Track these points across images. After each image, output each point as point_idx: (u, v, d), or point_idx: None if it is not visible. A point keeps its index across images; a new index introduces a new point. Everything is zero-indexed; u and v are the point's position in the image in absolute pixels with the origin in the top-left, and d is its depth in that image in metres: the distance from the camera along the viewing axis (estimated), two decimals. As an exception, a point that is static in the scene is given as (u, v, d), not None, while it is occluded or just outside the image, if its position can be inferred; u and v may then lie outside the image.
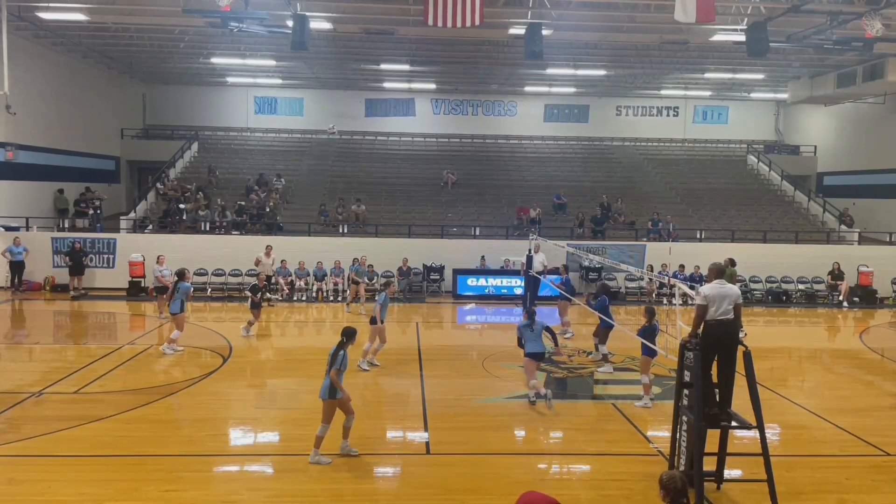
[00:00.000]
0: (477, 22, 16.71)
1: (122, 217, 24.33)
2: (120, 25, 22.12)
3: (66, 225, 24.19)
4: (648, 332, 11.04)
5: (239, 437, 9.59)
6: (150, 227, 23.92)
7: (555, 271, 22.10)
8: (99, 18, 20.71)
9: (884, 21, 17.43)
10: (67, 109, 26.38)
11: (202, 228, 23.86)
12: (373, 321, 13.10)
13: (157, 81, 32.64)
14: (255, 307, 15.87)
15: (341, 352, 8.66)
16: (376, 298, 13.45)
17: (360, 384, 12.25)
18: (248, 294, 16.28)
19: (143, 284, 21.24)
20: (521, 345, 11.17)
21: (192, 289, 14.68)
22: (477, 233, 24.36)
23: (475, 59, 26.67)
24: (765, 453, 7.29)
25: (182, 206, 24.37)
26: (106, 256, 22.08)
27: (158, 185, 26.72)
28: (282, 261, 21.18)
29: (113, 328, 17.80)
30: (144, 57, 27.51)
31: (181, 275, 14.35)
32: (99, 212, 24.91)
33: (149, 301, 19.79)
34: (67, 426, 9.51)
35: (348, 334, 8.91)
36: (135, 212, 24.79)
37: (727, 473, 7.93)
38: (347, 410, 8.71)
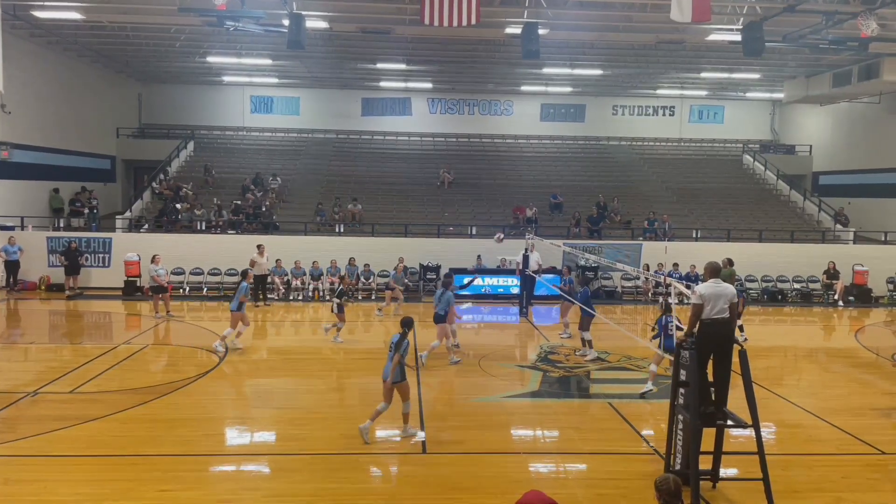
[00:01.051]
0: (473, 21, 16.72)
1: (117, 216, 24.28)
2: (116, 24, 22.05)
3: (62, 224, 24.12)
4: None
5: (235, 437, 9.57)
6: (146, 226, 23.87)
7: (551, 271, 22.16)
8: (94, 17, 20.66)
9: (879, 21, 17.47)
10: (63, 108, 26.31)
11: (198, 228, 23.83)
12: (438, 318, 13.35)
13: (152, 80, 32.56)
14: (340, 310, 15.43)
15: (405, 340, 9.29)
16: (439, 297, 13.50)
17: (358, 383, 12.25)
18: (336, 300, 15.54)
19: (138, 284, 21.19)
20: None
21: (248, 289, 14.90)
22: (473, 232, 24.37)
23: (472, 58, 26.67)
24: (760, 452, 7.31)
25: (178, 205, 24.29)
26: (101, 256, 22.04)
27: (154, 184, 26.66)
28: (277, 260, 21.16)
29: (108, 328, 17.75)
30: (140, 56, 27.44)
31: (244, 275, 14.94)
32: (95, 211, 24.84)
33: (144, 300, 19.76)
34: (63, 426, 9.49)
35: (407, 324, 9.56)
36: (130, 211, 24.75)
37: (723, 472, 7.96)
38: (405, 396, 9.31)
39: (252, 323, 15.99)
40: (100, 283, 21.62)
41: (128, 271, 21.20)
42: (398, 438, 9.34)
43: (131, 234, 23.00)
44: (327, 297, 21.15)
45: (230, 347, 14.10)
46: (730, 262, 17.14)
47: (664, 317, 11.32)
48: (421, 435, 9.56)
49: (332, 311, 15.51)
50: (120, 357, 13.54)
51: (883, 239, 25.15)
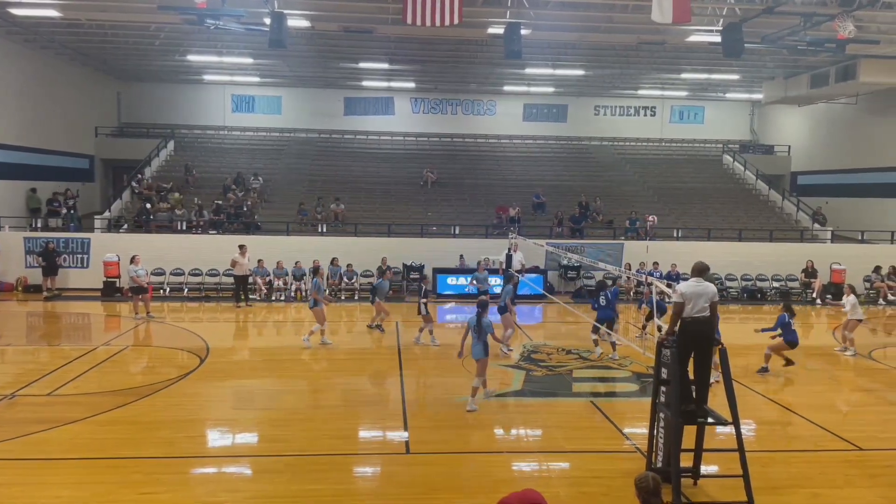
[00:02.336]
0: (456, 21, 16.72)
1: (96, 216, 23.98)
2: (94, 22, 21.79)
3: (39, 224, 23.78)
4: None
5: (217, 439, 9.50)
6: (125, 226, 23.60)
7: (534, 270, 22.24)
8: (72, 15, 20.39)
9: (856, 23, 17.73)
10: (40, 107, 25.93)
11: (179, 228, 23.60)
12: (502, 310, 13.91)
13: (132, 79, 32.20)
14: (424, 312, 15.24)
15: (484, 319, 10.61)
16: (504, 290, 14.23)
17: (342, 383, 12.21)
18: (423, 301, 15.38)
19: (118, 285, 20.96)
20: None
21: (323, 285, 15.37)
22: (456, 232, 24.39)
23: (454, 58, 26.69)
24: (740, 449, 7.39)
25: (148, 205, 23.99)
26: (80, 256, 21.76)
27: (134, 183, 26.37)
28: (259, 260, 21.03)
29: (87, 329, 17.54)
30: (119, 54, 27.13)
31: (315, 271, 15.87)
32: (73, 211, 24.51)
33: (124, 301, 19.54)
34: (41, 429, 9.36)
35: (483, 304, 10.87)
36: (109, 211, 24.45)
37: (704, 469, 8.03)
38: (480, 372, 10.57)
39: (234, 324, 15.88)
40: (78, 284, 21.35)
41: (107, 272, 20.97)
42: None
43: (110, 235, 22.73)
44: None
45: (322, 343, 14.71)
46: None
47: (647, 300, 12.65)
48: (404, 435, 9.55)
49: (420, 313, 15.28)
50: (99, 359, 13.38)
51: (860, 238, 25.54)
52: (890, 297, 22.41)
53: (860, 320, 15.02)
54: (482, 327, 10.64)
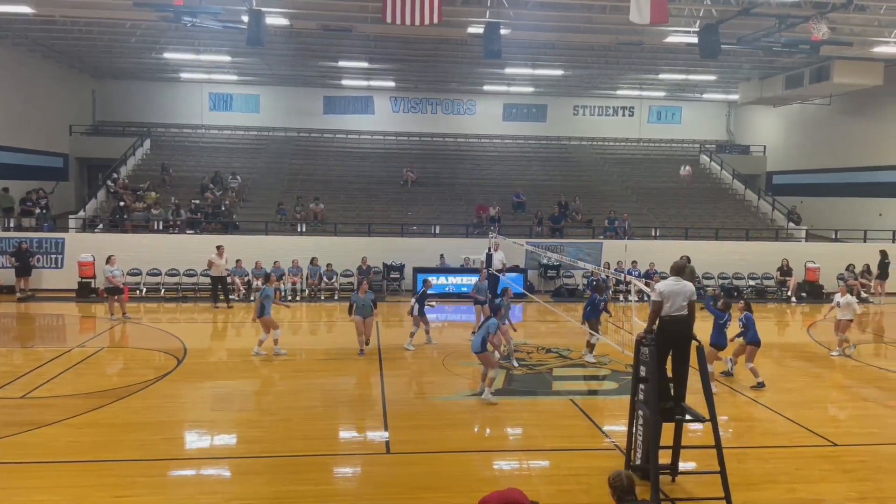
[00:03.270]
0: (435, 20, 16.71)
1: (70, 216, 23.59)
2: (68, 19, 21.45)
3: (12, 224, 23.33)
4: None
5: (194, 441, 9.40)
6: (101, 226, 23.25)
7: (515, 269, 22.30)
8: (46, 11, 20.04)
9: (829, 24, 18.01)
10: (13, 104, 25.47)
11: (155, 228, 23.31)
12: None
13: (107, 76, 31.75)
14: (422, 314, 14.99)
15: (490, 320, 11.04)
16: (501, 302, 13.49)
17: (321, 384, 12.15)
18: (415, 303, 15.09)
19: (93, 285, 20.65)
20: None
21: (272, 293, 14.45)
22: (437, 231, 24.38)
23: (434, 57, 26.68)
24: (717, 445, 7.47)
25: (121, 203, 23.66)
26: (54, 256, 21.41)
27: (109, 182, 26.00)
28: (237, 260, 20.84)
29: (62, 330, 17.27)
30: (94, 51, 26.74)
31: (267, 278, 15.34)
32: (45, 211, 24.06)
33: (99, 302, 19.26)
34: (15, 432, 9.19)
35: (495, 309, 11.72)
36: (84, 210, 24.07)
37: (682, 466, 8.11)
38: (488, 364, 10.86)
39: (211, 324, 15.72)
40: (52, 285, 21.00)
41: (82, 272, 20.64)
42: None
43: (85, 234, 22.38)
44: (288, 298, 20.95)
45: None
46: (687, 260, 17.48)
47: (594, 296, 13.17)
48: (385, 435, 9.53)
49: (413, 313, 14.89)
50: (74, 360, 13.17)
51: (833, 237, 25.96)
52: (863, 295, 22.79)
53: (850, 320, 14.68)
54: (488, 327, 11.07)
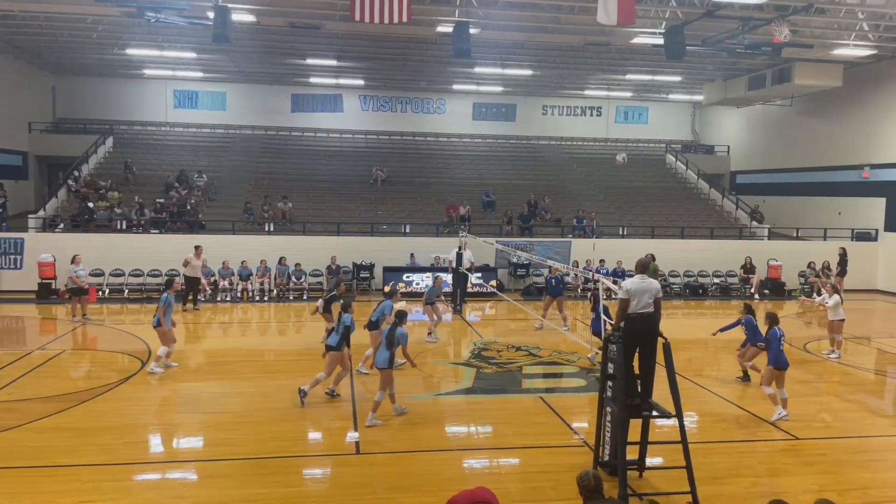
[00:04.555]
0: (404, 18, 16.69)
1: (30, 216, 22.98)
2: (27, 13, 20.87)
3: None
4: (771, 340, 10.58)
5: (160, 444, 9.23)
6: (62, 225, 22.70)
7: (484, 269, 22.39)
8: (4, 6, 19.54)
9: (791, 27, 18.44)
10: (-32, 101, 24.74)
11: (118, 227, 22.85)
12: (372, 326, 12.51)
13: (68, 73, 30.98)
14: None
15: (398, 329, 9.93)
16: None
17: (290, 385, 12.03)
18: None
19: (53, 286, 20.18)
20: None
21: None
22: (407, 230, 24.34)
23: (403, 56, 26.61)
24: (683, 441, 7.58)
25: (90, 204, 23.14)
26: (12, 257, 20.88)
27: (70, 181, 25.40)
28: (204, 260, 20.53)
29: (21, 332, 16.84)
30: (54, 47, 26.08)
31: (168, 284, 12.94)
32: (2, 210, 23.41)
33: (60, 304, 18.82)
34: (-29, 438, 8.94)
35: (400, 315, 10.16)
36: (44, 210, 23.47)
37: (649, 461, 8.22)
38: (382, 385, 9.89)
39: (178, 325, 15.43)
40: (11, 286, 20.47)
41: (42, 273, 20.16)
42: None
43: (45, 234, 21.85)
44: (256, 298, 20.72)
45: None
46: (652, 258, 17.71)
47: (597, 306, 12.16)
48: (355, 435, 9.48)
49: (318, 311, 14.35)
50: (34, 363, 12.85)
51: (795, 235, 26.57)
52: (823, 292, 23.34)
53: (843, 320, 14.55)
54: (395, 337, 9.94)
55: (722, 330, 12.72)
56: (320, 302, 14.45)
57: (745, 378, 12.48)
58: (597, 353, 13.31)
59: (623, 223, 26.37)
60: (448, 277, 19.15)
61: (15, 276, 20.67)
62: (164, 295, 12.51)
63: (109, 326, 16.74)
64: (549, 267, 17.71)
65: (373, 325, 12.51)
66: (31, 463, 8.26)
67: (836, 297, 14.62)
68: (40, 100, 30.50)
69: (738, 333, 12.72)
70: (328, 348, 10.97)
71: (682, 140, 36.69)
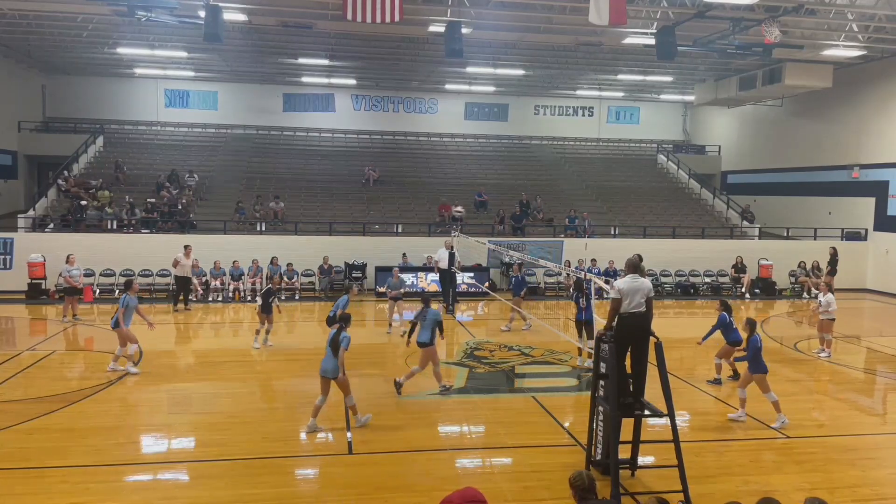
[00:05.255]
0: (396, 18, 16.66)
1: (20, 215, 22.82)
2: (17, 12, 20.72)
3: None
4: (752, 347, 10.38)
5: (151, 445, 9.18)
6: (52, 225, 22.56)
7: (476, 268, 22.38)
8: (-8, 3, 19.39)
9: (782, 28, 18.52)
10: (-44, 100, 24.53)
11: (109, 227, 22.71)
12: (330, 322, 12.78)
13: (57, 71, 30.77)
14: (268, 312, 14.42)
15: (343, 334, 9.36)
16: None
17: (282, 385, 12.00)
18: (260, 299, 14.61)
19: (43, 287, 20.04)
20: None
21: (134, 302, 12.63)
22: (399, 230, 24.31)
23: (395, 55, 26.57)
24: (675, 440, 7.60)
25: (82, 202, 23.00)
26: (2, 257, 20.74)
27: (60, 181, 25.23)
28: (194, 260, 20.44)
29: (10, 333, 16.71)
30: (44, 45, 25.91)
31: (128, 286, 12.93)
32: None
33: (50, 304, 18.70)
34: (-41, 440, 8.86)
35: (345, 319, 9.64)
36: (34, 209, 23.31)
37: (641, 460, 8.24)
38: (346, 390, 9.47)
39: (169, 326, 15.39)
40: (0, 287, 20.30)
41: (31, 273, 20.02)
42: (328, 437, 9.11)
43: (35, 234, 21.70)
44: (248, 298, 20.65)
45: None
46: (639, 258, 17.70)
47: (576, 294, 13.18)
48: (347, 435, 9.46)
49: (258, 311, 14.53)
50: (24, 364, 12.76)
51: (785, 234, 26.71)
52: (814, 291, 23.49)
53: (833, 319, 14.57)
54: (339, 341, 9.38)
55: (704, 338, 12.43)
56: (259, 300, 14.39)
57: (736, 376, 12.41)
58: (582, 358, 13.43)
59: (615, 223, 26.43)
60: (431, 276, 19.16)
61: (4, 277, 20.52)
62: (124, 297, 12.52)
63: (99, 327, 16.63)
64: (514, 265, 17.88)
65: (331, 321, 12.73)
66: (20, 464, 8.19)
67: (829, 295, 14.61)
68: (30, 99, 30.29)
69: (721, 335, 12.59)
70: (420, 345, 11.10)
71: (674, 140, 36.82)
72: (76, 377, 12.29)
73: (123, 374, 12.16)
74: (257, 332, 14.64)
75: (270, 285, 15.09)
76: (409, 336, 11.74)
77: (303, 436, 9.45)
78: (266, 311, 14.41)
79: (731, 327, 12.26)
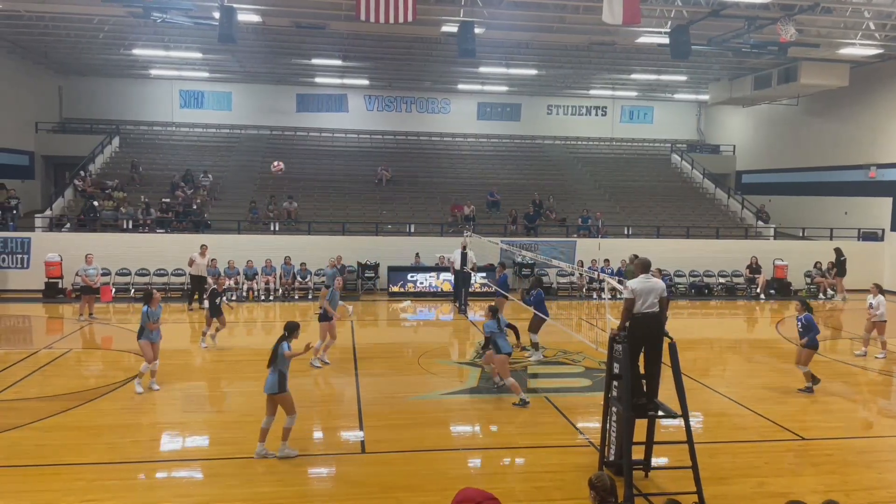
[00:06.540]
0: (409, 18, 16.68)
1: (37, 215, 23.08)
2: (34, 14, 20.93)
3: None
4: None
5: (165, 443, 9.25)
6: (68, 225, 22.79)
7: (488, 268, 22.37)
8: (10, 6, 19.60)
9: (797, 26, 18.35)
10: (-25, 101, 24.84)
11: (125, 227, 22.92)
12: (323, 318, 12.94)
13: (74, 73, 31.09)
14: (216, 313, 14.37)
15: (283, 343, 8.61)
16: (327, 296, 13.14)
17: (294, 384, 12.03)
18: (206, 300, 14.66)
19: (60, 286, 20.25)
20: (489, 346, 11.18)
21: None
22: (412, 230, 24.35)
23: (408, 55, 26.60)
24: (689, 441, 7.56)
25: (95, 202, 23.20)
26: (19, 256, 20.96)
27: (76, 181, 25.50)
28: (211, 259, 20.58)
29: (28, 332, 16.91)
30: (61, 47, 26.17)
31: (147, 297, 11.98)
32: (15, 211, 23.46)
33: (67, 303, 18.88)
34: (-22, 437, 8.98)
35: (290, 328, 8.82)
36: (51, 209, 23.57)
37: (654, 461, 8.20)
38: (289, 410, 8.62)
39: (183, 325, 15.51)
40: (18, 286, 20.56)
41: (48, 272, 20.24)
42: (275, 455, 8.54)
43: (52, 234, 21.93)
44: (262, 297, 20.77)
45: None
46: (636, 258, 17.65)
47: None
48: (360, 434, 9.48)
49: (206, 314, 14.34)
50: (41, 362, 12.90)
51: (801, 235, 26.47)
52: (830, 292, 23.28)
53: (885, 321, 14.40)
54: (278, 355, 8.61)
55: (808, 345, 11.82)
56: (206, 303, 14.29)
57: (812, 385, 11.82)
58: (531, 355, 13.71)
59: (628, 223, 26.30)
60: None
61: (22, 276, 20.76)
62: (144, 308, 11.51)
63: (115, 326, 16.79)
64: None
65: (323, 317, 12.87)
66: (36, 461, 8.29)
67: (879, 296, 14.47)
68: (47, 100, 30.62)
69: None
70: (508, 355, 10.97)
71: (688, 140, 36.59)
72: (92, 375, 12.41)
73: (137, 375, 12.25)
74: (203, 333, 14.51)
75: (215, 286, 14.78)
76: (484, 349, 11.77)
77: (316, 434, 9.49)
78: (214, 312, 14.28)
79: (814, 327, 11.81)
